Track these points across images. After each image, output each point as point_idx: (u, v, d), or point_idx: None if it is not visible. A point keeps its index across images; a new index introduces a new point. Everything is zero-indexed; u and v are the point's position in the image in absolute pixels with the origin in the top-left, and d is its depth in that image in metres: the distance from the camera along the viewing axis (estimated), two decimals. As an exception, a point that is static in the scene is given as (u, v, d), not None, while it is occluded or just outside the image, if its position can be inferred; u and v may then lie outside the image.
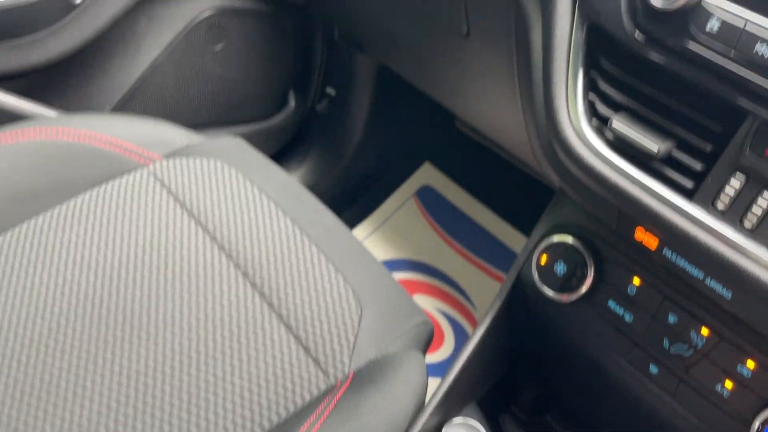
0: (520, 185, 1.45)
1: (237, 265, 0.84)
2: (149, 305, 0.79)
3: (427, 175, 1.69)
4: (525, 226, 1.53)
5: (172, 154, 0.97)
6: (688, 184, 0.60)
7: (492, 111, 1.02)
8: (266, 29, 1.35)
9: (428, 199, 1.64)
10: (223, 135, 1.40)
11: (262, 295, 0.81)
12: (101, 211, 0.89)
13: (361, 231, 1.63)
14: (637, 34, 0.59)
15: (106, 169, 0.93)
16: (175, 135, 1.01)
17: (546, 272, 0.76)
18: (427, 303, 1.47)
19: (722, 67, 0.53)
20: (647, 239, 0.63)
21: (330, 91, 1.57)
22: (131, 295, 0.80)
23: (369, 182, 1.69)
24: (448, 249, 1.55)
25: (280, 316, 0.79)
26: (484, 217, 1.58)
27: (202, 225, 0.87)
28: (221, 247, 0.85)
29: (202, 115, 1.34)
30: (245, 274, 0.83)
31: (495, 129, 1.07)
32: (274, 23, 1.36)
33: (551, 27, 0.67)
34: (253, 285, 0.82)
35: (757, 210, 0.56)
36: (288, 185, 0.95)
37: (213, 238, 0.86)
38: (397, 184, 1.69)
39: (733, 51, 0.52)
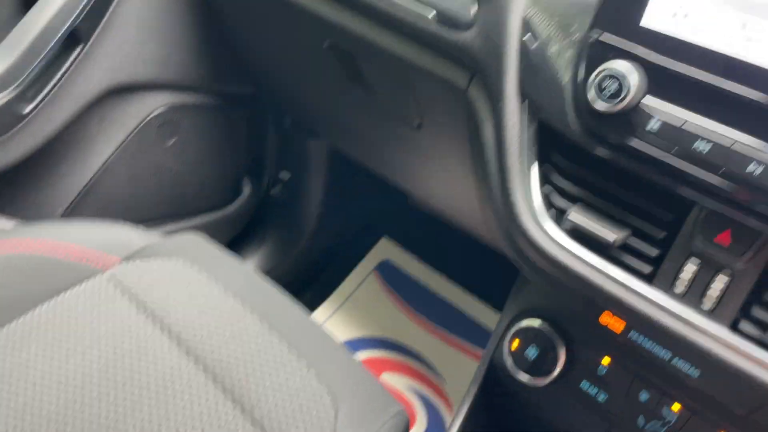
0: (481, 256, 1.48)
1: (206, 369, 0.82)
2: (117, 422, 0.76)
3: (385, 249, 1.71)
4: (488, 297, 1.56)
5: (131, 257, 0.95)
6: (646, 269, 0.63)
7: (448, 197, 1.06)
8: (218, 121, 1.37)
9: (389, 274, 1.66)
10: (180, 228, 1.39)
11: (233, 398, 0.79)
12: (60, 323, 0.86)
13: (323, 311, 1.62)
14: (583, 133, 0.63)
15: (64, 278, 0.90)
16: (133, 236, 1.00)
17: (518, 357, 0.78)
18: (396, 381, 1.46)
19: (665, 163, 0.57)
20: (613, 323, 0.66)
21: (284, 175, 1.59)
22: (97, 412, 0.77)
23: (328, 261, 1.69)
24: (412, 324, 1.55)
25: (253, 420, 0.77)
26: (446, 289, 1.60)
27: (167, 328, 0.86)
28: (188, 351, 0.83)
29: (158, 210, 1.33)
30: (215, 378, 0.81)
31: (452, 212, 1.10)
32: (225, 115, 1.38)
33: (502, 124, 0.71)
34: (224, 389, 0.80)
35: (713, 292, 0.59)
36: (253, 280, 0.95)
37: (179, 342, 0.84)
38: (357, 261, 1.70)
39: (674, 148, 0.56)
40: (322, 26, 0.96)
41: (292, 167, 1.58)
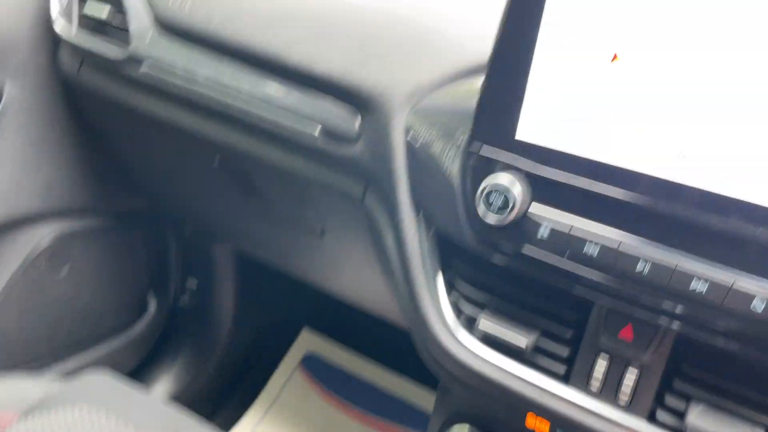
0: (408, 335, 1.46)
1: None
2: None
3: (308, 342, 1.66)
4: (421, 377, 1.52)
5: (29, 411, 0.87)
6: (561, 369, 0.63)
7: (362, 292, 1.05)
8: (113, 240, 1.31)
9: (315, 367, 1.61)
10: (83, 362, 1.29)
11: None
12: None
13: (250, 419, 1.55)
14: (478, 243, 0.63)
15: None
16: (28, 387, 0.92)
17: (453, 463, 0.76)
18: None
19: (560, 267, 0.58)
20: (538, 424, 0.65)
21: (191, 283, 1.53)
22: None
23: (250, 363, 1.62)
24: (348, 419, 1.51)
25: None
26: (377, 375, 1.57)
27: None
28: None
29: (57, 345, 1.24)
30: None
31: (369, 305, 1.09)
32: (120, 233, 1.32)
33: (401, 236, 0.71)
34: None
35: (626, 387, 0.60)
36: (170, 417, 0.89)
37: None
38: (280, 358, 1.64)
39: (566, 252, 0.58)
40: (210, 145, 0.95)
41: (198, 273, 1.52)
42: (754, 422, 0.55)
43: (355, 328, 1.64)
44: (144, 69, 0.92)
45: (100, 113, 1.11)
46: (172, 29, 0.91)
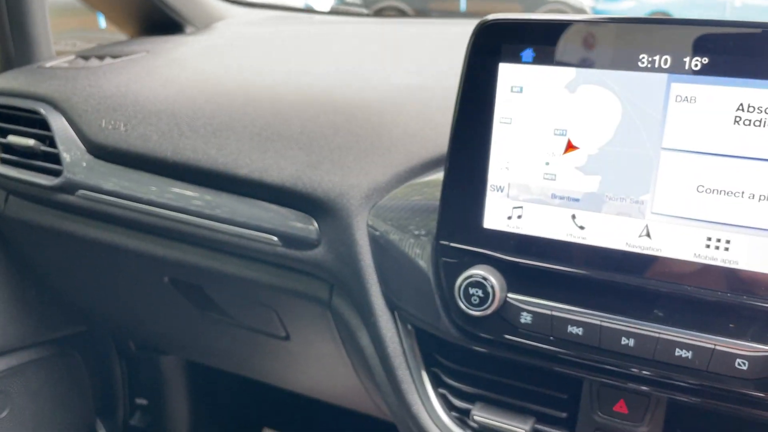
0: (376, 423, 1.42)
1: None
2: None
3: (269, 442, 1.59)
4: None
5: None
6: (563, 451, 0.63)
7: (332, 391, 1.02)
8: (53, 371, 1.22)
9: (280, 468, 1.53)
10: None
11: None
12: None
13: None
14: (461, 335, 0.63)
15: None
16: None
17: None
18: None
19: (546, 350, 0.59)
20: None
21: (141, 401, 1.44)
22: None
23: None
24: None
25: None
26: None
27: None
28: None
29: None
30: None
31: (341, 401, 1.06)
32: (60, 361, 1.24)
33: (380, 338, 0.70)
34: None
35: (629, 460, 0.61)
36: None
37: None
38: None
39: (550, 336, 0.59)
40: (157, 264, 0.91)
41: (147, 390, 1.44)
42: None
43: (318, 424, 1.58)
44: (79, 196, 0.89)
45: (31, 243, 1.05)
46: (107, 153, 0.88)
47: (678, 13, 7.54)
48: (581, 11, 7.25)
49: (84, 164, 0.90)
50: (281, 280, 0.82)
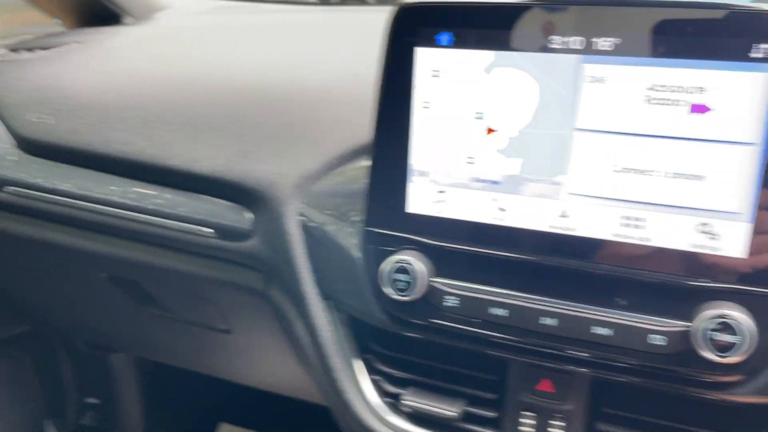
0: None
1: None
2: None
3: (227, 437, 1.58)
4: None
5: None
6: (492, 432, 0.64)
7: (281, 381, 1.01)
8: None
9: (238, 463, 1.52)
10: None
11: None
12: None
13: None
14: (391, 321, 0.64)
15: None
16: None
17: None
18: None
19: (472, 332, 0.60)
20: (478, 491, 0.65)
21: (92, 400, 1.42)
22: None
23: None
24: None
25: None
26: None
27: None
28: None
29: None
30: None
31: (290, 392, 1.05)
32: (6, 363, 1.21)
33: (312, 326, 0.70)
34: None
35: (555, 438, 0.61)
36: None
37: None
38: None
39: (475, 318, 0.59)
40: (94, 260, 0.89)
41: (98, 388, 1.41)
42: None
43: (274, 415, 1.58)
44: (7, 192, 0.86)
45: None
46: (36, 147, 0.86)
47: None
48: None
49: (12, 159, 0.87)
50: (217, 272, 0.81)
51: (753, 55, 0.49)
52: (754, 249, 0.51)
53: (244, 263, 0.77)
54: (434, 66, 0.58)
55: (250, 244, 0.75)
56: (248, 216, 0.75)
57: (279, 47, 0.93)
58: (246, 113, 0.78)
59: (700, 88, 0.51)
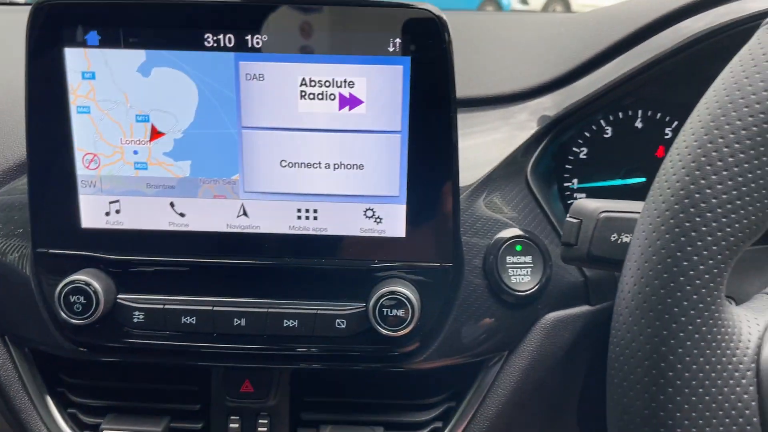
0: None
1: None
2: None
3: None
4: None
5: None
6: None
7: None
8: None
9: None
10: None
11: None
12: None
13: None
14: (77, 349, 0.58)
15: None
16: None
17: None
18: None
19: (166, 345, 0.57)
20: None
21: None
22: None
23: None
24: None
25: None
26: None
27: None
28: None
29: None
30: None
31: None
32: None
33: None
34: None
35: (263, 436, 0.61)
36: None
37: None
38: None
39: (166, 331, 0.57)
40: None
41: None
42: (375, 424, 0.62)
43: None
44: None
45: None
46: None
47: None
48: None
49: None
50: None
51: (390, 49, 0.53)
52: (409, 228, 0.56)
53: None
54: (86, 67, 0.54)
55: None
56: None
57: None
58: None
59: (349, 81, 0.54)
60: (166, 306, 0.57)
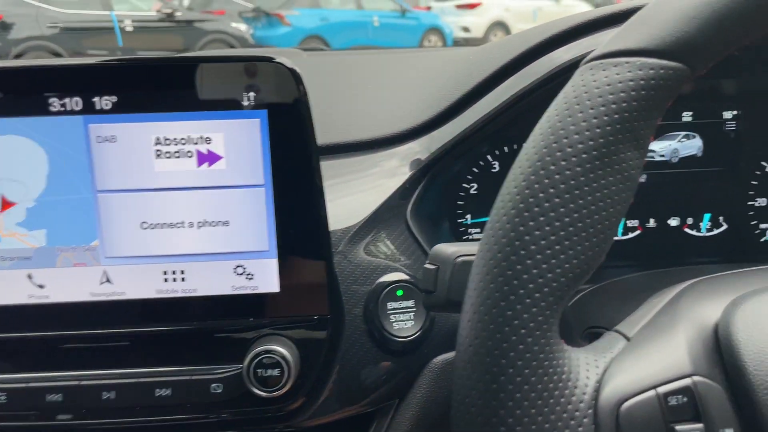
0: None
1: None
2: None
3: None
4: None
5: None
6: None
7: None
8: None
9: None
10: None
11: None
12: None
13: None
14: None
15: None
16: None
17: None
18: None
19: (31, 426, 0.54)
20: None
21: None
22: None
23: None
24: None
25: None
26: None
27: None
28: None
29: None
30: None
31: None
32: None
33: None
34: None
35: None
36: None
37: None
38: None
39: (33, 411, 0.53)
40: None
41: None
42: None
43: None
44: None
45: None
46: None
47: (331, 37, 8.13)
48: (243, 40, 7.39)
49: None
50: None
51: (246, 103, 0.52)
52: (283, 282, 0.54)
53: None
54: (-76, 140, 0.51)
55: None
56: None
57: None
58: None
59: (206, 138, 0.52)
60: (30, 384, 0.53)
